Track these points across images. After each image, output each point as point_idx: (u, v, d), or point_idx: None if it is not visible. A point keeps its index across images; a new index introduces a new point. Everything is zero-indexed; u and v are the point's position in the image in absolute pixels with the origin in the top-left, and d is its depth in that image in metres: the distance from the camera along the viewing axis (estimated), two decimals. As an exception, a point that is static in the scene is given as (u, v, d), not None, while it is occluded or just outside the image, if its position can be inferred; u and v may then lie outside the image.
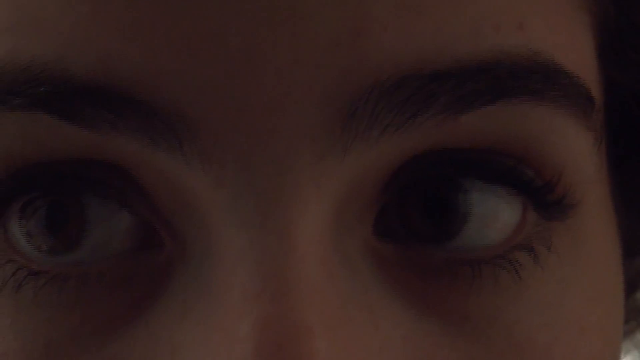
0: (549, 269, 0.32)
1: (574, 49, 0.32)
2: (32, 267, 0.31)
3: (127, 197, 0.31)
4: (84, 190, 0.30)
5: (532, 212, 0.32)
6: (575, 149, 0.32)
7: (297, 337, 0.28)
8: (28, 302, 0.30)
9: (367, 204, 0.31)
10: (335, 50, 0.28)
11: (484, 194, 0.31)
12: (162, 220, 0.31)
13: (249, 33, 0.28)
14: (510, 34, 0.30)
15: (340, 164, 0.29)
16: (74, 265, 0.30)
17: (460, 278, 0.31)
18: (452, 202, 0.31)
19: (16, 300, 0.31)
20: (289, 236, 0.29)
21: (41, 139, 0.30)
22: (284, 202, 0.29)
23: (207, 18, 0.28)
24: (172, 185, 0.30)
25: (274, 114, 0.28)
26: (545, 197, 0.32)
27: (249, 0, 0.28)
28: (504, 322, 0.31)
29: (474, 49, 0.29)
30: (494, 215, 0.31)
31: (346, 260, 0.30)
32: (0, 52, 0.29)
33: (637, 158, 0.37)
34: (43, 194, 0.31)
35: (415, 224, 0.31)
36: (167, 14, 0.28)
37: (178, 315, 0.30)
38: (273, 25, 0.28)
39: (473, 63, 0.29)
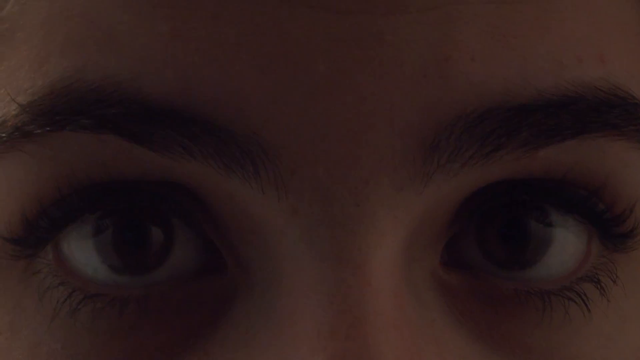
0: (614, 302, 0.31)
1: None
2: (88, 289, 0.29)
3: (193, 217, 0.30)
4: (150, 210, 0.29)
5: (596, 243, 0.31)
6: None
7: None
8: (83, 326, 0.29)
9: (436, 234, 0.30)
10: (422, 79, 0.27)
11: (554, 225, 0.31)
12: (227, 244, 0.30)
13: (335, 59, 0.27)
14: (591, 66, 0.29)
15: (418, 195, 0.28)
16: (135, 288, 0.29)
17: (530, 310, 0.30)
18: (525, 233, 0.30)
19: (70, 325, 0.30)
20: (364, 269, 0.28)
21: (108, 160, 0.29)
22: (360, 234, 0.28)
23: (293, 40, 0.27)
24: (242, 212, 0.29)
25: (355, 143, 0.27)
26: (613, 229, 0.31)
27: (337, 25, 0.27)
28: (566, 355, 0.31)
29: (557, 81, 0.28)
30: (562, 245, 0.31)
31: (414, 291, 0.29)
32: (68, 69, 0.28)
33: None
34: (106, 214, 0.29)
35: (490, 251, 0.30)
36: (252, 35, 0.27)
37: (240, 345, 0.29)
38: (360, 51, 0.27)
39: (556, 96, 0.28)
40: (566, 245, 0.31)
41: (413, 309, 0.29)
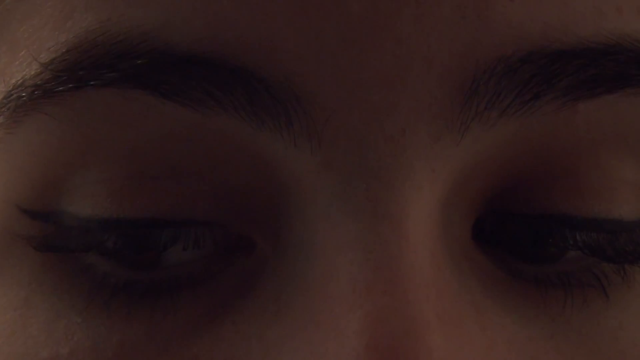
0: (635, 287, 0.30)
1: None
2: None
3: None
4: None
5: None
6: None
7: (414, 332, 0.26)
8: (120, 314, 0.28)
9: (471, 202, 0.29)
10: (461, 20, 0.26)
11: None
12: (254, 212, 0.28)
13: None
14: (631, 17, 0.28)
15: (455, 146, 0.27)
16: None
17: (551, 299, 0.29)
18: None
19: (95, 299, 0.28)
20: (401, 224, 0.27)
21: (131, 120, 0.28)
22: (397, 186, 0.27)
23: None
24: (271, 169, 0.28)
25: (392, 88, 0.26)
26: None
27: None
28: (608, 327, 0.29)
29: (597, 30, 0.28)
30: None
31: (451, 255, 0.28)
32: (93, 23, 0.27)
33: None
34: None
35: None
36: None
37: (270, 312, 0.28)
38: None
39: (596, 45, 0.27)
40: None
41: (451, 272, 0.28)
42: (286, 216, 0.28)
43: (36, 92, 0.28)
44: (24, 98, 0.28)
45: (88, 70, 0.27)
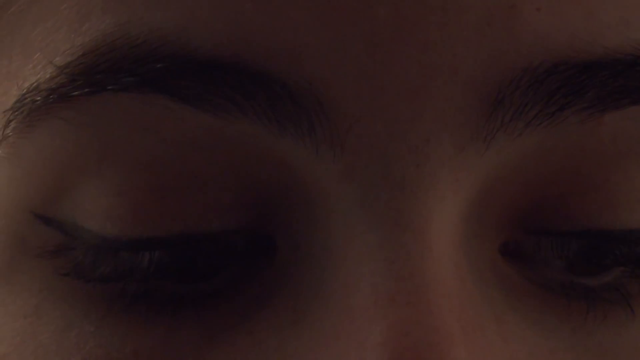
0: None
1: None
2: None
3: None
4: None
5: None
6: None
7: (437, 344, 0.25)
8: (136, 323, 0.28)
9: (498, 213, 0.28)
10: (486, 28, 0.26)
11: None
12: (275, 222, 0.28)
13: (396, 4, 0.26)
14: None
15: (480, 157, 0.27)
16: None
17: (573, 308, 0.29)
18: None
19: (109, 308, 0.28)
20: (424, 234, 0.26)
21: (150, 125, 0.27)
22: (420, 197, 0.26)
23: None
24: (293, 177, 0.27)
25: (417, 97, 0.26)
26: None
27: None
28: (630, 339, 0.29)
29: (623, 40, 0.27)
30: None
31: (474, 266, 0.28)
32: (110, 26, 0.27)
33: None
34: None
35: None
36: None
37: (289, 323, 0.27)
38: None
39: (623, 56, 0.27)
40: None
41: (473, 283, 0.27)
42: (307, 223, 0.27)
43: (51, 97, 0.27)
44: (39, 102, 0.27)
45: (105, 74, 0.27)
